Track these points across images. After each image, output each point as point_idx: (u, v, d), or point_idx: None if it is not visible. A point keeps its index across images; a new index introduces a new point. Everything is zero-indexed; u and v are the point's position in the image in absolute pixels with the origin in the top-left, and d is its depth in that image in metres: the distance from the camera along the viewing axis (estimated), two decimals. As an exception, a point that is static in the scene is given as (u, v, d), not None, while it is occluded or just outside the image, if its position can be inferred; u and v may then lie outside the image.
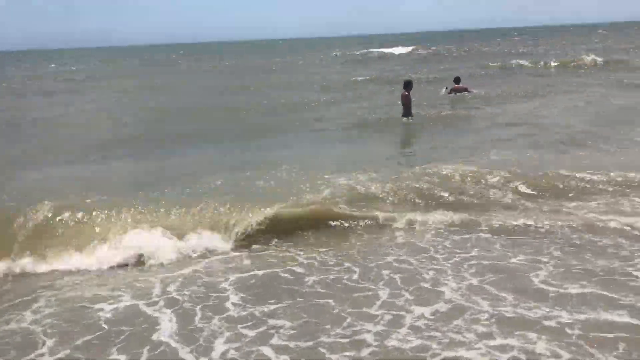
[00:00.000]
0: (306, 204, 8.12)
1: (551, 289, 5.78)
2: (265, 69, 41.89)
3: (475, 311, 5.40)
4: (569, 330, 5.00)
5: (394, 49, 62.70)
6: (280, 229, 7.66)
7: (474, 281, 6.04)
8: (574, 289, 5.74)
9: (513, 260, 6.55)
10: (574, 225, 7.41)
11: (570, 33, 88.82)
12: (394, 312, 5.48)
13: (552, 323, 5.13)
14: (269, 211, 7.74)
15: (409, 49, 62.33)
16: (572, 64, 32.18)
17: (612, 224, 7.33)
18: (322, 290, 6.08)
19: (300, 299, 5.91)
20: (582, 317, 5.19)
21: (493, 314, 5.33)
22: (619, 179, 8.88)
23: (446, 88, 20.63)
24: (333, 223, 7.79)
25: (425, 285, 6.03)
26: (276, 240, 7.49)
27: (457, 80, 21.09)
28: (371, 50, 63.15)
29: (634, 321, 5.06)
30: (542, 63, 32.92)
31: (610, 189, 8.56)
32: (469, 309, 5.44)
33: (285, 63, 48.81)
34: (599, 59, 32.59)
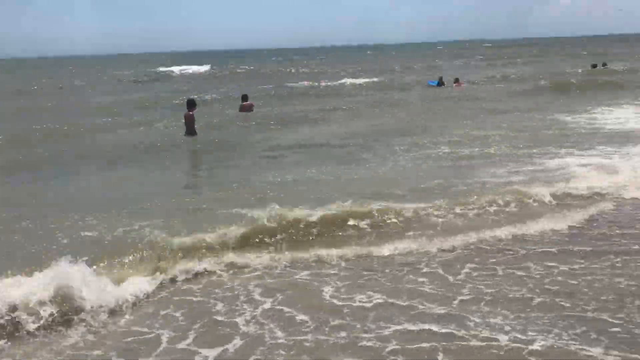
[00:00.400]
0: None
1: (344, 303, 5.34)
2: (22, 92, 35.59)
3: (272, 345, 4.66)
4: (382, 349, 4.51)
5: (185, 67, 61.18)
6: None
7: (267, 305, 5.36)
8: (366, 302, 5.35)
9: (297, 277, 6.08)
10: (352, 242, 7.04)
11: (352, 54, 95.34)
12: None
13: (363, 343, 4.61)
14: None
15: (203, 68, 61.23)
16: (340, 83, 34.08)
17: (387, 245, 6.88)
18: (81, 342, 4.85)
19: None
20: (388, 331, 4.76)
21: (293, 344, 4.65)
22: (393, 192, 8.81)
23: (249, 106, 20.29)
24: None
25: (217, 318, 5.18)
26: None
27: (244, 98, 20.86)
28: (160, 69, 60.66)
29: (440, 329, 4.76)
30: (322, 84, 34.29)
31: (394, 204, 8.15)
32: (265, 342, 4.70)
33: (53, 84, 43.51)
34: (375, 79, 35.37)
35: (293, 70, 52.62)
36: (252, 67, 60.45)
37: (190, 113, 14.96)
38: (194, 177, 11.57)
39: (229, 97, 25.62)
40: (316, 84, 34.39)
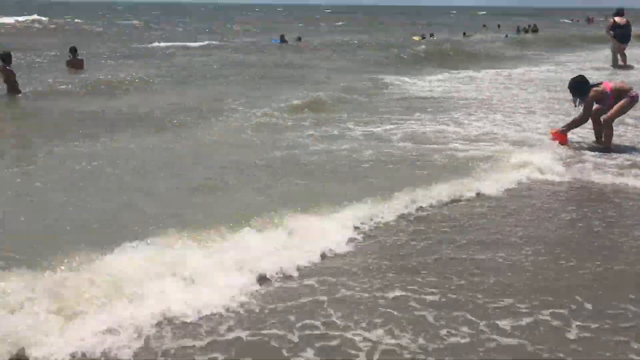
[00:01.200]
0: None
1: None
2: None
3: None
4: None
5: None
6: None
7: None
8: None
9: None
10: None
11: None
12: None
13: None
14: None
15: (21, 18, 53.25)
16: None
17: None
18: None
19: None
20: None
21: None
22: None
23: None
24: None
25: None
26: None
27: (73, 50, 18.39)
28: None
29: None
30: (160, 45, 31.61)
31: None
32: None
33: None
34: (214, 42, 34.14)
35: (141, 27, 48.62)
36: (80, 20, 55.09)
37: (8, 67, 13.37)
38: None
39: (57, 55, 22.41)
40: (168, 44, 31.11)
